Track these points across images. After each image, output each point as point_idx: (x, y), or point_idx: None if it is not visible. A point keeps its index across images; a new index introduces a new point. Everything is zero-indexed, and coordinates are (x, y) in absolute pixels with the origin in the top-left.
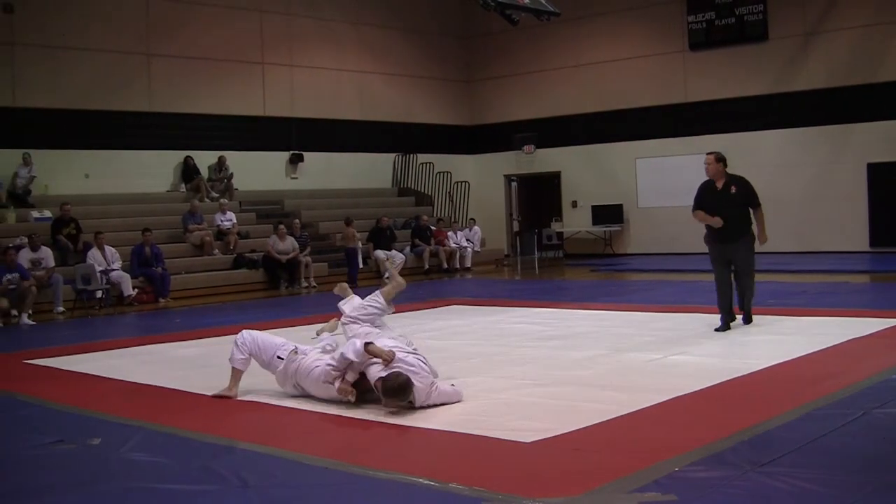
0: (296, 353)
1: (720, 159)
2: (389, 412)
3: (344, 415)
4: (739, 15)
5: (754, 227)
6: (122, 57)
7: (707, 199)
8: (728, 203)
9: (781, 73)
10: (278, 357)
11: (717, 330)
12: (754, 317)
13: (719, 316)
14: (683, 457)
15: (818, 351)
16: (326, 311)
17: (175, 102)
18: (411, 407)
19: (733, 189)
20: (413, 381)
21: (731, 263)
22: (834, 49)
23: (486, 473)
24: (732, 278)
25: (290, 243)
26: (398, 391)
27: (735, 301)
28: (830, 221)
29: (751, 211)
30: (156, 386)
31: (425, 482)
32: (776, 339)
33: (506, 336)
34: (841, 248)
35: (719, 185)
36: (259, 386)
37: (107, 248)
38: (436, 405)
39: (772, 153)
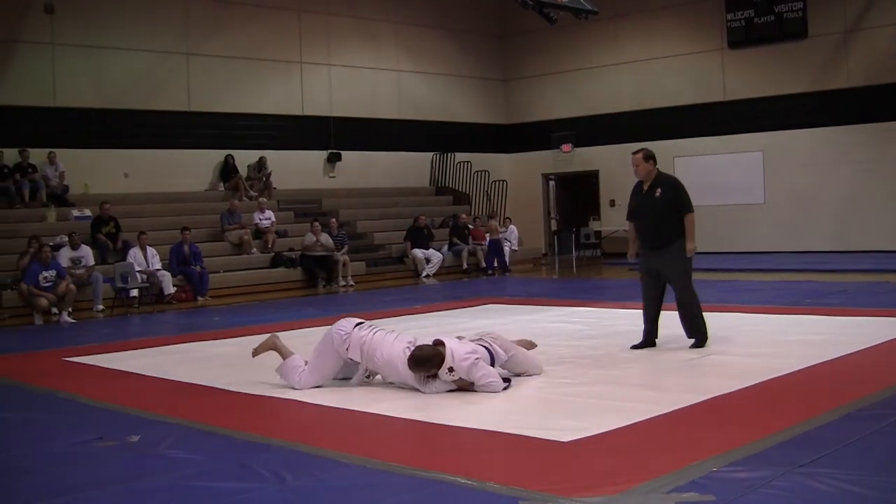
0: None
1: (649, 157)
2: (429, 405)
3: (382, 413)
4: (779, 13)
5: None
6: (162, 56)
7: (633, 202)
8: (651, 207)
9: (821, 71)
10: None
11: (633, 347)
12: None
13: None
14: (722, 457)
15: (858, 351)
16: (363, 309)
17: (214, 102)
18: (458, 382)
19: (658, 192)
20: (447, 343)
21: (659, 274)
22: (875, 46)
23: (524, 472)
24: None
25: (324, 240)
26: (421, 361)
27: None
28: (871, 220)
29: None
30: (194, 384)
31: (463, 481)
32: (816, 339)
33: (543, 335)
34: (881, 247)
35: (646, 186)
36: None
37: (148, 247)
38: (480, 385)
39: (812, 151)
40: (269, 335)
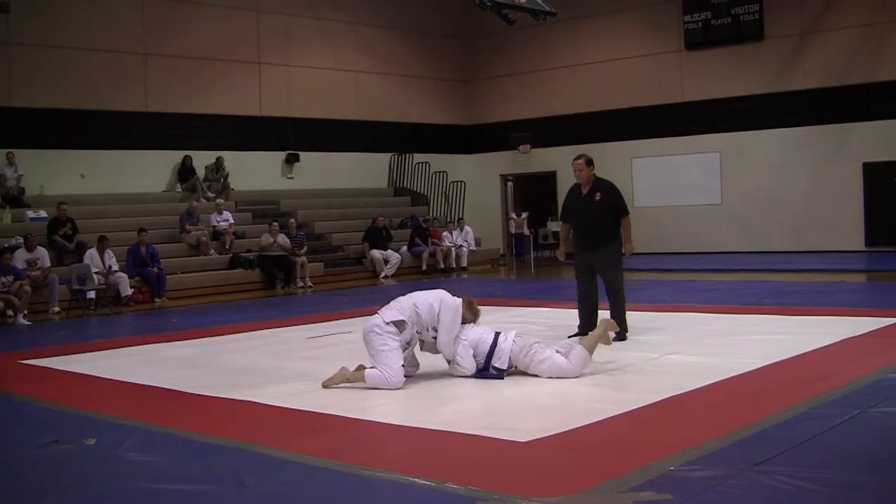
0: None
1: (590, 162)
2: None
3: (341, 415)
4: (735, 14)
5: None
6: (119, 57)
7: (571, 205)
8: (590, 210)
9: (778, 73)
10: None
11: (570, 338)
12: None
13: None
14: (679, 456)
15: (814, 350)
16: (321, 310)
17: (171, 102)
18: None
19: (598, 196)
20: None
21: (594, 272)
22: (830, 49)
23: (482, 473)
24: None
25: (281, 241)
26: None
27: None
28: (827, 221)
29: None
30: (152, 386)
31: (421, 482)
32: (772, 338)
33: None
34: (837, 247)
35: (585, 190)
36: (259, 386)
37: (106, 250)
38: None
39: (768, 152)
40: (340, 370)
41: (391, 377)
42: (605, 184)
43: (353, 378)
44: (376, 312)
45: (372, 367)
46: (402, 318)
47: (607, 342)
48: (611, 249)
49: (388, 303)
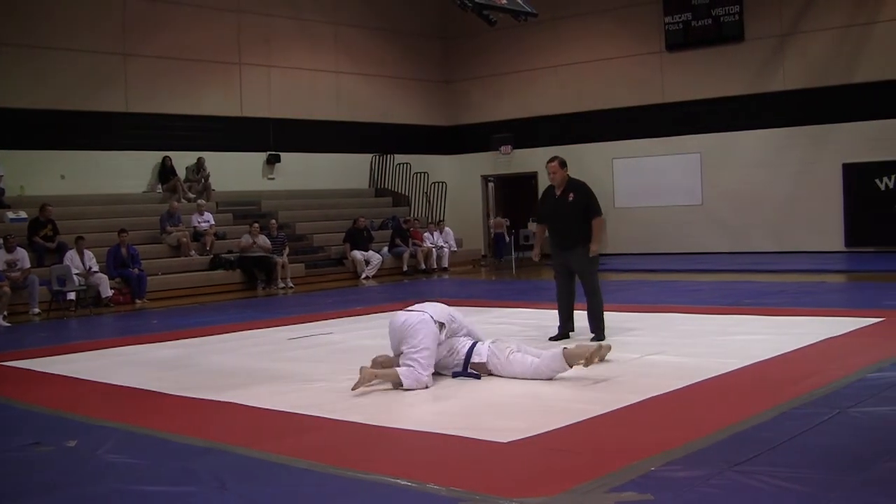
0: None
1: (564, 164)
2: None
3: (321, 416)
4: (716, 16)
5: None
6: (99, 57)
7: (545, 206)
8: (564, 210)
9: (758, 74)
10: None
11: (551, 339)
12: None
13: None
14: (660, 456)
15: (795, 350)
16: (302, 311)
17: (152, 103)
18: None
19: (571, 196)
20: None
21: (571, 271)
22: (810, 50)
23: (464, 474)
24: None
25: (261, 241)
26: None
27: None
28: (807, 221)
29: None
30: (133, 387)
31: (403, 483)
32: (753, 339)
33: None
34: (817, 247)
35: (559, 191)
36: (240, 387)
37: (85, 250)
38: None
39: (748, 153)
40: (362, 369)
41: (424, 377)
42: (578, 184)
43: (381, 375)
44: (410, 307)
45: (403, 366)
46: (443, 321)
47: (594, 357)
48: (586, 250)
49: (414, 302)
